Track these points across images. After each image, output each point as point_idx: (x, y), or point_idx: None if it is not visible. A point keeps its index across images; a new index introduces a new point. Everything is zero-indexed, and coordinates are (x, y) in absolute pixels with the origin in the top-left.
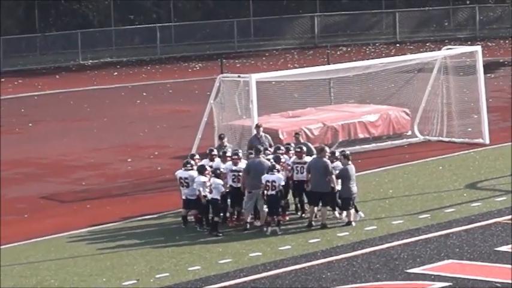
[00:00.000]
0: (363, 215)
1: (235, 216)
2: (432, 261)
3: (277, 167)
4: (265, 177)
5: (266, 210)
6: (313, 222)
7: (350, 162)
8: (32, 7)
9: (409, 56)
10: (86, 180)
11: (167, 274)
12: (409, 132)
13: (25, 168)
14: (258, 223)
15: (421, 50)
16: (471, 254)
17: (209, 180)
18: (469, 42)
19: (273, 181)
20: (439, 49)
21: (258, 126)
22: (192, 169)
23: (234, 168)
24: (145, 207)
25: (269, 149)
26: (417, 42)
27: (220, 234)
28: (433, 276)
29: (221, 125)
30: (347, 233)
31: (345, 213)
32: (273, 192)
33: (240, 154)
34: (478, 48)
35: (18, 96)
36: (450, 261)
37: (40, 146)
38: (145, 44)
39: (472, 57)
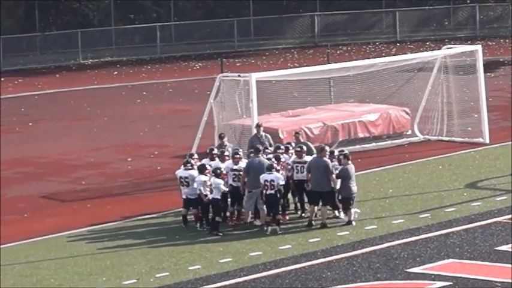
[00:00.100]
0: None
1: (236, 216)
2: (432, 260)
3: (275, 166)
4: (264, 176)
5: (264, 209)
6: (313, 222)
7: (350, 162)
8: (32, 6)
9: (409, 55)
10: (86, 180)
11: (167, 273)
12: (409, 132)
13: (25, 168)
14: (258, 222)
15: (421, 49)
16: (471, 254)
17: (209, 179)
18: (469, 42)
19: (272, 180)
20: (439, 48)
21: (258, 126)
22: (192, 168)
23: (234, 167)
24: (145, 207)
25: (269, 148)
26: (417, 41)
27: (221, 234)
28: (433, 276)
29: (221, 124)
30: (347, 233)
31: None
32: (272, 192)
33: (241, 153)
34: (478, 48)
35: (18, 96)
36: (450, 260)
37: (40, 145)
38: (146, 43)
39: (472, 57)
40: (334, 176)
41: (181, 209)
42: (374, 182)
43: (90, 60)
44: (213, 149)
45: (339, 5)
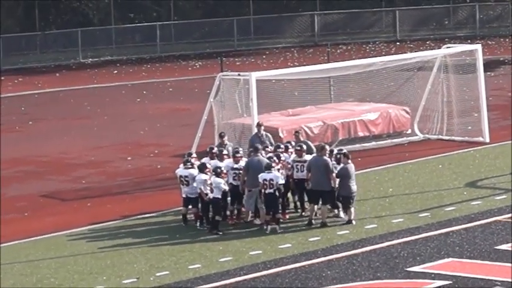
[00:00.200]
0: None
1: (236, 215)
2: (432, 259)
3: (274, 165)
4: (262, 176)
5: (264, 208)
6: (313, 221)
7: (350, 161)
8: (32, 5)
9: (409, 55)
10: (87, 179)
11: (167, 272)
12: (409, 131)
13: (25, 167)
14: (258, 221)
15: (421, 48)
16: (471, 253)
17: (210, 178)
18: (469, 41)
19: (271, 179)
20: (439, 47)
21: (259, 125)
22: (192, 167)
23: (234, 166)
24: (145, 206)
25: (269, 147)
26: (417, 40)
27: (220, 233)
28: (433, 275)
29: (221, 123)
30: (347, 232)
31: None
32: (271, 191)
33: (241, 152)
34: (478, 47)
35: (18, 95)
36: (450, 259)
37: (40, 144)
38: (146, 42)
39: (472, 56)
40: (334, 175)
41: (181, 208)
42: (374, 181)
43: (90, 59)
44: (212, 148)
45: (338, 4)
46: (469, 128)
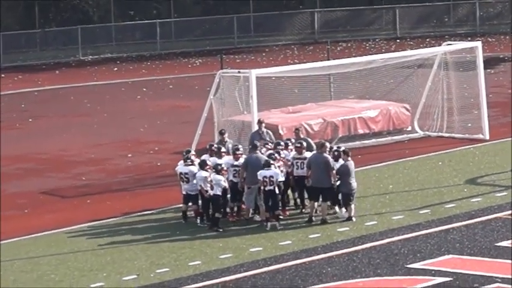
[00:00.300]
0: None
1: (236, 212)
2: (432, 256)
3: (272, 162)
4: (262, 173)
5: (264, 205)
6: (313, 218)
7: (350, 158)
8: (32, 3)
9: (409, 52)
10: (87, 176)
11: (167, 269)
12: (409, 128)
13: (25, 164)
14: (258, 218)
15: (421, 45)
16: (471, 249)
17: (210, 175)
18: (469, 38)
19: (271, 176)
20: (439, 45)
21: (260, 122)
22: (192, 164)
23: (235, 163)
24: (145, 203)
25: (269, 144)
26: (417, 37)
27: (221, 230)
28: (433, 272)
29: (221, 121)
30: (347, 228)
31: (343, 209)
32: (271, 188)
33: (241, 149)
34: (478, 44)
35: (18, 92)
36: (450, 256)
37: (40, 142)
38: (146, 40)
39: (472, 53)
40: (334, 172)
41: (181, 205)
42: (374, 178)
43: (90, 57)
44: (212, 145)
45: (338, 2)
46: (469, 125)
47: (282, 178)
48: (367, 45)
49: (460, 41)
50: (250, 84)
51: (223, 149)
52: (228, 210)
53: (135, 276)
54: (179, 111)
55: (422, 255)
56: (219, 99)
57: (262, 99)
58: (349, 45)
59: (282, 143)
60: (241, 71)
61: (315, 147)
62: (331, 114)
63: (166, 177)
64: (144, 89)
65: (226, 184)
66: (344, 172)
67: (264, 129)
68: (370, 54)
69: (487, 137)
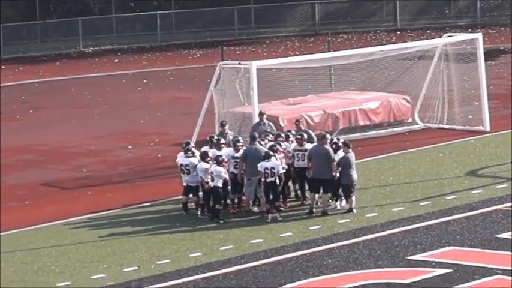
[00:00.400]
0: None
1: (236, 203)
2: (433, 248)
3: (273, 153)
4: (262, 164)
5: (264, 197)
6: (314, 209)
7: (350, 150)
8: None
9: (409, 44)
10: (87, 167)
11: (168, 261)
12: (410, 120)
13: (26, 155)
14: (256, 209)
15: (422, 37)
16: (472, 241)
17: (211, 167)
18: (470, 30)
19: (272, 168)
20: (440, 36)
21: (261, 114)
22: (193, 156)
23: (235, 155)
24: (146, 194)
25: (270, 135)
26: (418, 29)
27: (221, 221)
28: (434, 263)
29: (221, 112)
30: (348, 220)
31: (344, 201)
32: (273, 179)
33: (242, 141)
34: (478, 36)
35: (18, 84)
36: (451, 248)
37: (41, 133)
38: (146, 31)
39: (472, 45)
40: (335, 163)
41: (181, 197)
42: (374, 170)
43: (91, 48)
44: (213, 137)
45: None
46: (470, 117)
47: (282, 170)
48: (368, 36)
49: (461, 33)
50: (250, 75)
51: (222, 141)
52: (228, 201)
53: (136, 267)
54: (180, 103)
55: (423, 247)
56: (220, 90)
57: (262, 91)
58: (349, 36)
59: (283, 135)
60: (241, 62)
61: (315, 138)
62: (331, 105)
63: (166, 169)
64: (145, 81)
65: (226, 176)
66: (345, 164)
67: (266, 121)
68: (371, 46)
69: (488, 129)
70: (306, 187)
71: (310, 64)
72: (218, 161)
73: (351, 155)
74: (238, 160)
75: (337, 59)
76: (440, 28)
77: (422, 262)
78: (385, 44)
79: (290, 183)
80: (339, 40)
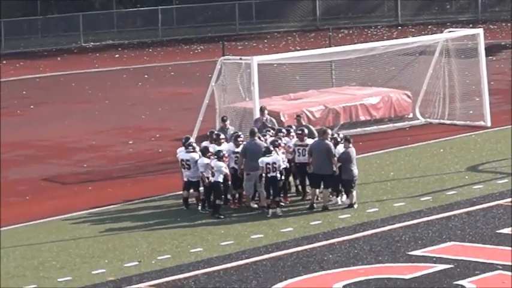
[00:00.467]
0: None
1: (237, 199)
2: (434, 243)
3: (273, 148)
4: (264, 160)
5: (265, 192)
6: (314, 205)
7: (351, 145)
8: None
9: (410, 39)
10: (88, 162)
11: (169, 256)
12: (411, 115)
13: (26, 150)
14: (254, 205)
15: (423, 32)
16: (473, 236)
17: (211, 162)
18: (471, 25)
19: (273, 163)
20: (441, 32)
21: (262, 109)
22: (194, 151)
23: (236, 150)
24: (146, 189)
25: (271, 131)
26: (419, 24)
27: (222, 217)
28: (434, 259)
29: (222, 108)
30: (348, 215)
31: (345, 196)
32: (274, 174)
33: (242, 136)
34: (479, 31)
35: (19, 79)
36: (452, 243)
37: (41, 128)
38: (147, 27)
39: (473, 40)
40: (335, 159)
41: (182, 192)
42: (375, 165)
43: (92, 43)
44: (213, 132)
45: None
46: (471, 112)
47: (284, 164)
48: (369, 32)
49: (462, 28)
50: (251, 71)
51: (222, 136)
52: (229, 197)
53: (137, 262)
54: (180, 98)
55: (424, 242)
56: (221, 86)
57: (263, 86)
58: (350, 32)
59: (284, 130)
60: (242, 57)
61: (316, 134)
62: (332, 101)
63: (167, 164)
64: (146, 76)
65: (227, 171)
66: (345, 159)
67: (268, 116)
68: (372, 41)
69: (489, 124)
70: (307, 182)
71: (311, 59)
72: (219, 156)
73: (352, 150)
74: (238, 155)
75: (338, 54)
76: (441, 23)
77: (423, 257)
78: (386, 40)
79: (291, 178)
80: (339, 35)
